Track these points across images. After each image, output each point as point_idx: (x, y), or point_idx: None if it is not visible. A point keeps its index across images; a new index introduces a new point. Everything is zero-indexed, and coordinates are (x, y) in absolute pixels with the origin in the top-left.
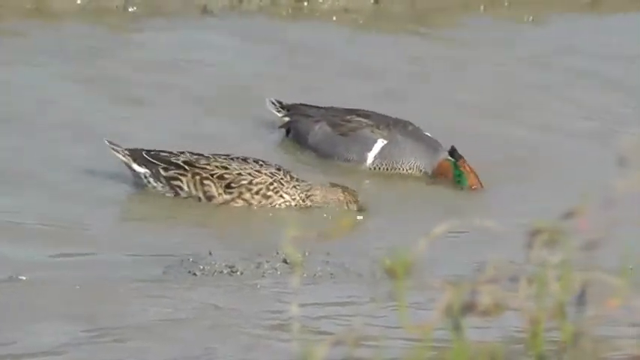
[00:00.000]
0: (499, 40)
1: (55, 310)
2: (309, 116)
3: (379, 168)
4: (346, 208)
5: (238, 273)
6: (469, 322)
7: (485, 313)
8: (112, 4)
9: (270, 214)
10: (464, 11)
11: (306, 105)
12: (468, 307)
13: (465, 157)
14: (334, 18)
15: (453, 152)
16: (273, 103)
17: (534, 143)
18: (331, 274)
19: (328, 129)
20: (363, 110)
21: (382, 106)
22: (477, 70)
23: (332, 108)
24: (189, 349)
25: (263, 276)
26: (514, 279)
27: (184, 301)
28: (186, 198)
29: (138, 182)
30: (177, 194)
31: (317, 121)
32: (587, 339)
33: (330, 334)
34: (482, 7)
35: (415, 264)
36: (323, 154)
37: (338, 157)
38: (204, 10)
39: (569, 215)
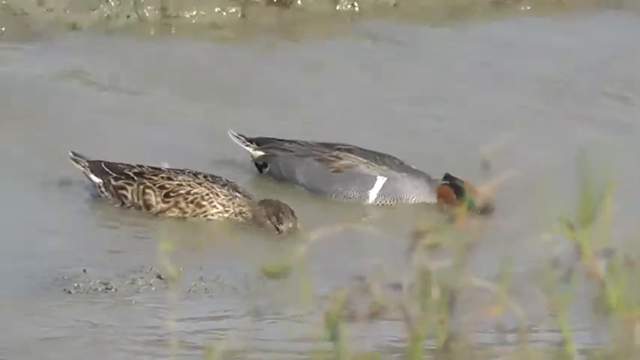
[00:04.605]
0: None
1: None
2: (287, 150)
3: (382, 204)
4: (271, 226)
5: (113, 290)
6: (348, 331)
7: (364, 319)
8: None
9: (146, 229)
10: (332, 22)
11: (275, 139)
12: (348, 315)
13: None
14: (202, 33)
15: (448, 177)
16: (237, 136)
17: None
18: (206, 288)
19: (318, 165)
20: (343, 144)
21: (260, 125)
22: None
23: (306, 142)
24: None
25: (138, 292)
26: (396, 285)
27: (61, 319)
28: (129, 207)
29: (94, 192)
30: (123, 204)
31: (301, 157)
32: (462, 345)
33: (206, 348)
34: (348, 19)
35: (292, 265)
36: (316, 190)
37: (336, 195)
38: (74, 28)
39: (450, 219)
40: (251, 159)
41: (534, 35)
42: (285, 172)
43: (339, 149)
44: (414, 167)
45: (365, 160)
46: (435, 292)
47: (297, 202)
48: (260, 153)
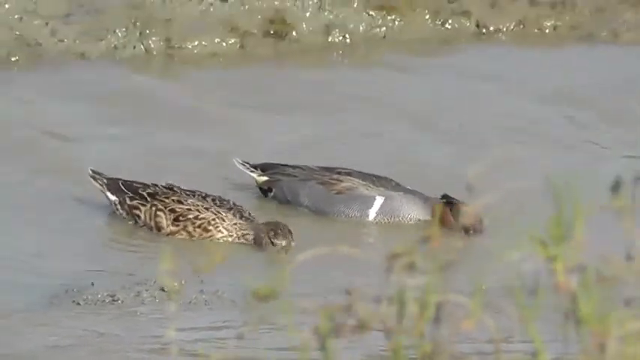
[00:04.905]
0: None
1: None
2: (291, 175)
3: (381, 222)
4: (267, 241)
5: (119, 301)
6: (337, 342)
7: (351, 333)
8: None
9: (152, 245)
10: (324, 54)
11: (278, 164)
12: (335, 329)
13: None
14: (204, 62)
15: (446, 197)
16: (242, 163)
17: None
18: (206, 300)
19: (320, 187)
20: (342, 168)
21: (261, 149)
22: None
23: (307, 167)
24: None
25: (142, 303)
26: (376, 300)
27: (69, 329)
28: (142, 226)
29: (110, 210)
30: (136, 223)
31: (304, 180)
32: (444, 356)
33: (206, 356)
34: (340, 52)
35: (282, 289)
36: (319, 211)
37: (338, 215)
38: (82, 57)
39: (424, 239)
40: (256, 184)
41: (517, 63)
42: (289, 196)
43: (339, 173)
44: (408, 187)
45: (364, 182)
46: (412, 308)
47: (302, 222)
48: (265, 178)
